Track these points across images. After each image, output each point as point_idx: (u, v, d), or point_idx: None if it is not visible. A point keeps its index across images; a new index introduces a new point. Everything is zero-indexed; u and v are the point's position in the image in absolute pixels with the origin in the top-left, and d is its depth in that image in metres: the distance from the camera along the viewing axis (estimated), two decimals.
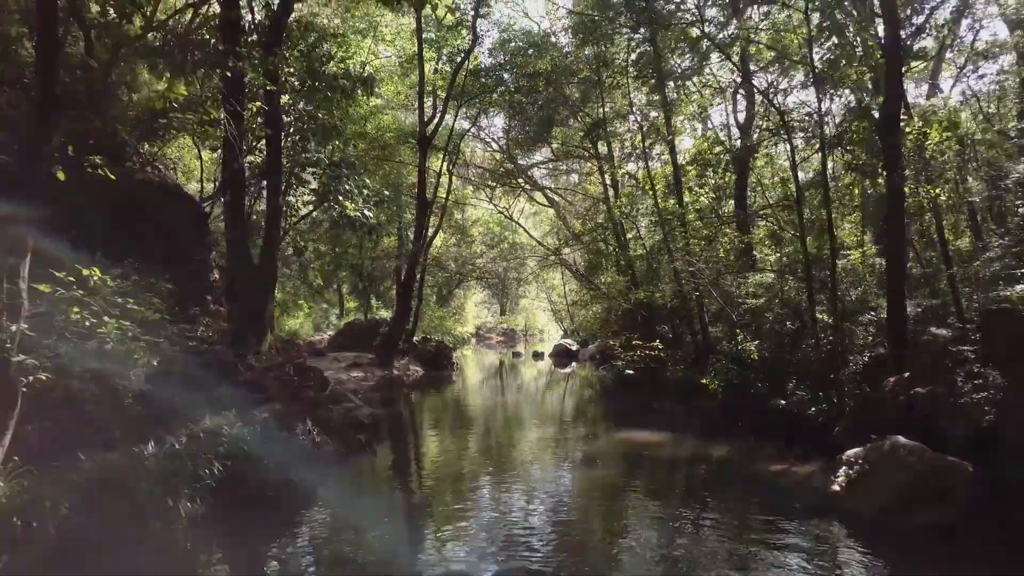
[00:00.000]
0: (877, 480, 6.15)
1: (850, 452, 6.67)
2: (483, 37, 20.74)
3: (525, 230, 34.34)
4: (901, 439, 6.32)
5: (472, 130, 24.93)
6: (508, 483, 8.13)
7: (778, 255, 13.43)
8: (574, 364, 25.89)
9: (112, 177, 5.82)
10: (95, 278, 5.80)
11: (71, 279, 5.55)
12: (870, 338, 11.60)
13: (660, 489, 8.02)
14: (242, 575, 5.54)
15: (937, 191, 10.17)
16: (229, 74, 8.49)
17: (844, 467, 6.56)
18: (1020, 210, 8.38)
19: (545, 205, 33.79)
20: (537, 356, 29.40)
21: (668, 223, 14.58)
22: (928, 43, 15.36)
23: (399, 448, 10.42)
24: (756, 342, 11.48)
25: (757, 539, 5.85)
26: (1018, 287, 9.10)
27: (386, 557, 5.75)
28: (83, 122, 6.73)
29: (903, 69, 9.51)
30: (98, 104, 8.13)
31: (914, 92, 21.14)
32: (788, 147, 10.54)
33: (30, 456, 5.32)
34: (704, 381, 11.85)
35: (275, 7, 10.35)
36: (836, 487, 6.47)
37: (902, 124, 9.60)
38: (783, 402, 10.41)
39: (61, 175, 4.86)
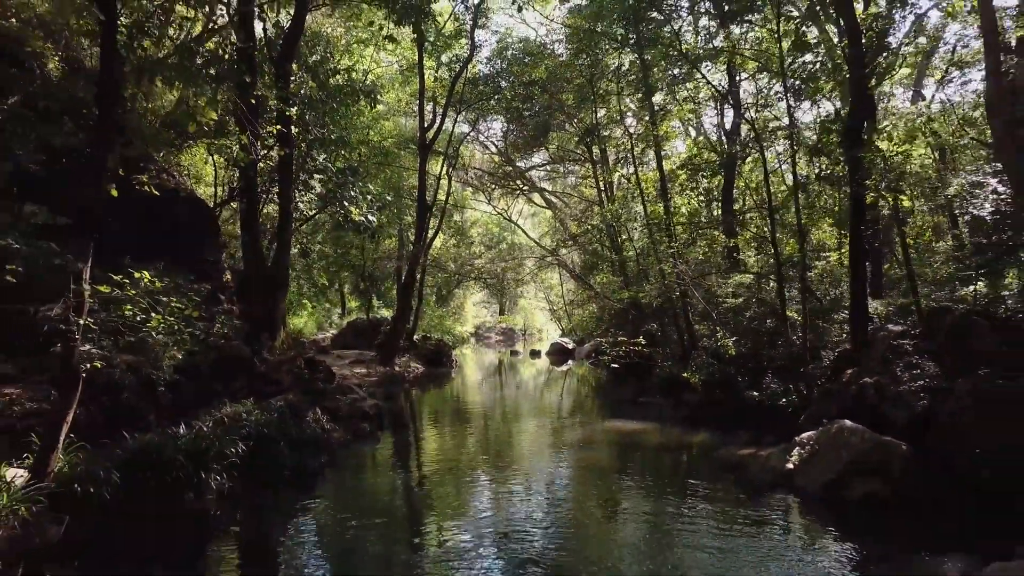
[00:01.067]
0: (824, 458, 6.96)
1: (803, 435, 7.50)
2: (481, 46, 21.62)
3: (523, 231, 35.17)
4: (847, 423, 7.14)
5: (471, 134, 25.75)
6: (501, 466, 8.95)
7: (757, 257, 14.27)
8: (570, 362, 26.65)
9: (156, 193, 6.64)
10: (144, 280, 6.62)
11: (125, 280, 6.37)
12: (844, 335, 12.44)
13: (638, 469, 8.83)
14: (265, 540, 6.35)
15: (904, 199, 10.97)
16: (245, 91, 9.31)
17: (797, 448, 7.38)
18: (967, 217, 9.17)
19: (543, 206, 34.66)
20: (534, 354, 30.22)
21: (654, 226, 15.39)
22: (910, 49, 16.16)
23: (400, 436, 11.24)
24: (734, 339, 12.28)
25: (717, 509, 6.68)
26: (969, 287, 9.96)
27: (388, 526, 6.57)
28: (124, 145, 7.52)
29: (867, 83, 10.26)
30: (124, 122, 8.93)
31: (901, 97, 22.06)
32: (763, 157, 11.30)
33: (82, 434, 6.15)
34: (686, 375, 12.65)
35: (286, 28, 11.16)
36: (790, 465, 7.28)
37: (865, 136, 10.38)
38: (757, 395, 11.22)
39: (114, 192, 5.67)
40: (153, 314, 6.70)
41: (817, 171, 11.97)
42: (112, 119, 5.38)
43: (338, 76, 12.92)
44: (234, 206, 16.78)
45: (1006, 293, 9.08)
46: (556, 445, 10.48)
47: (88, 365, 5.58)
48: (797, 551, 5.63)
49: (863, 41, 10.45)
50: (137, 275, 6.58)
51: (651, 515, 6.70)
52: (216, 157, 15.47)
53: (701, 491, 7.43)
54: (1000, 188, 7.90)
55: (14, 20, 11.51)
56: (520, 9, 16.07)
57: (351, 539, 6.08)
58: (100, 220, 5.21)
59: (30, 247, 5.42)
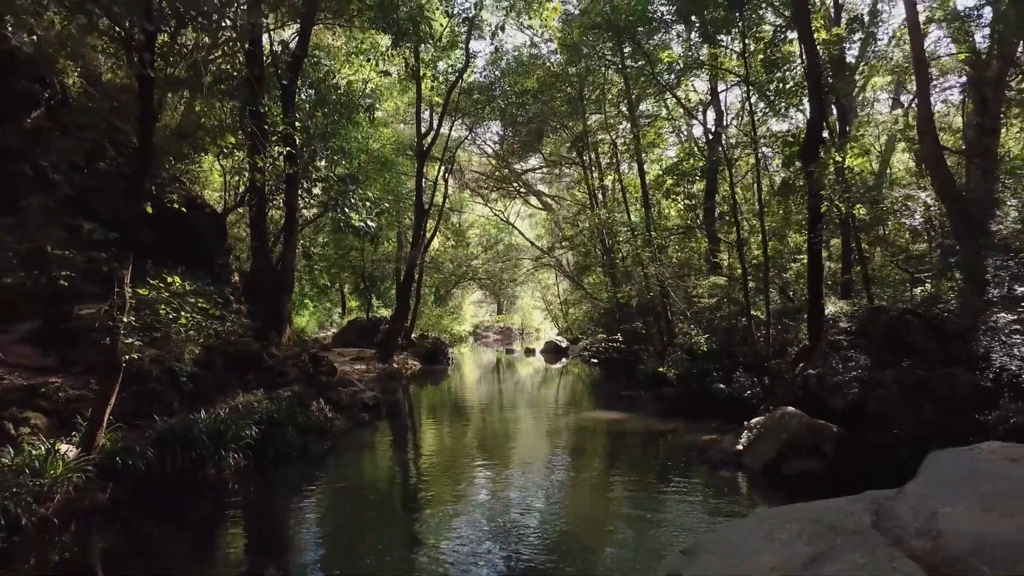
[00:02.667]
0: (767, 440, 7.92)
1: (752, 420, 8.45)
2: (476, 56, 22.55)
3: (519, 231, 36.13)
4: (789, 408, 8.10)
5: (469, 136, 26.69)
6: (489, 448, 9.93)
7: (731, 261, 15.21)
8: (564, 360, 27.55)
9: (184, 210, 7.61)
10: (175, 284, 7.59)
11: (160, 284, 7.34)
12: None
13: (609, 449, 9.83)
14: (275, 508, 7.31)
15: (860, 208, 11.91)
16: (252, 107, 10.27)
17: (746, 431, 8.35)
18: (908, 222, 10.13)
19: (540, 208, 35.61)
20: (529, 352, 31.14)
21: (634, 231, 16.34)
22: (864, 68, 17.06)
23: (397, 424, 12.19)
24: (706, 336, 13.23)
25: (674, 482, 7.65)
26: (917, 289, 10.93)
27: (383, 498, 7.53)
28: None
29: (823, 102, 11.21)
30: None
31: (884, 102, 23.00)
32: (729, 171, 12.25)
33: (118, 416, 7.11)
34: (661, 370, 13.60)
35: (292, 49, 12.13)
36: (739, 447, 8.24)
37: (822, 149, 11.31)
38: (726, 388, 12.18)
39: (149, 209, 6.62)
40: (182, 313, 7.67)
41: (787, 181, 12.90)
42: (150, 150, 6.33)
43: (339, 91, 13.87)
44: (240, 211, 17.73)
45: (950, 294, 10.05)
46: (539, 431, 11.45)
47: (127, 356, 6.53)
48: (724, 510, 6.61)
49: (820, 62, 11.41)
50: (170, 280, 7.55)
51: (612, 482, 7.67)
52: (224, 161, 16.41)
53: (664, 469, 8.38)
54: (929, 201, 8.83)
55: (35, 38, 12.51)
56: (495, 35, 17.08)
57: (350, 508, 7.03)
58: (140, 235, 6.16)
59: (84, 258, 6.38)
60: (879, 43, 15.66)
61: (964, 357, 7.60)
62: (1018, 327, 6.96)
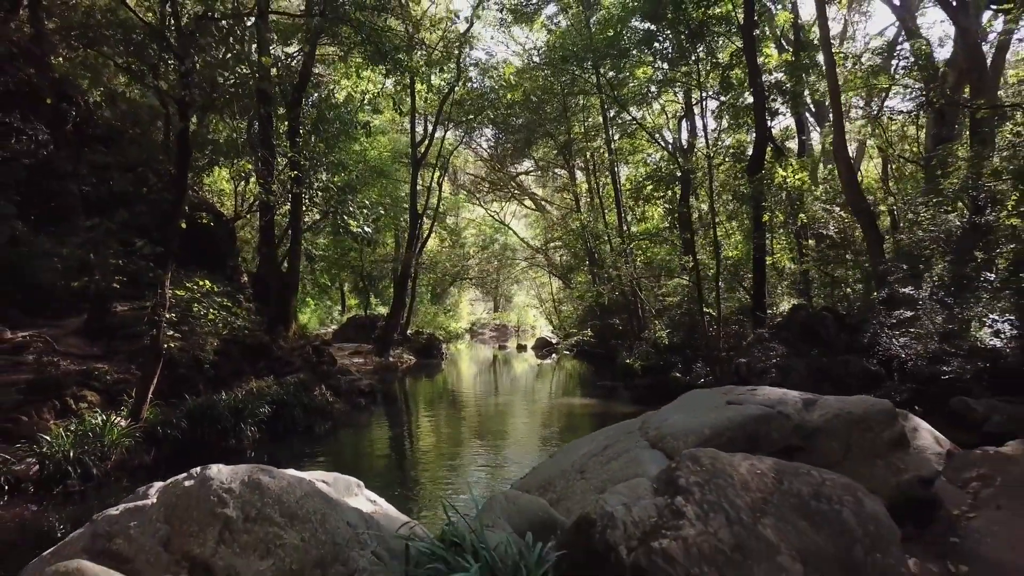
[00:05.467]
0: None
1: None
2: (468, 69, 23.93)
3: (514, 232, 37.61)
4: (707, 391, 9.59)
5: (464, 140, 28.12)
6: (471, 424, 11.46)
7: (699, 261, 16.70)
8: (554, 355, 29.04)
9: (212, 225, 9.11)
10: (206, 286, 9.11)
11: (194, 286, 8.87)
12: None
13: (570, 426, 11.33)
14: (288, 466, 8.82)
15: (802, 216, 13.41)
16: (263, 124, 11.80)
17: None
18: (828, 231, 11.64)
19: (533, 209, 37.08)
20: (521, 348, 32.62)
21: (609, 236, 17.85)
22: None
23: (391, 408, 13.71)
24: (668, 331, 14.73)
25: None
26: (849, 290, 12.39)
27: (379, 457, 9.04)
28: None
29: (766, 121, 12.71)
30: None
31: (857, 108, 24.45)
32: (683, 186, 13.73)
33: (156, 395, 8.62)
34: (629, 362, 15.11)
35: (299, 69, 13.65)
36: None
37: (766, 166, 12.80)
38: (683, 376, 13.68)
39: (183, 225, 8.10)
40: (211, 310, 9.18)
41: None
42: (185, 177, 7.81)
43: (337, 107, 15.33)
44: (247, 217, 19.26)
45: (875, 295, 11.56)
46: (516, 413, 12.98)
47: (167, 345, 8.02)
48: None
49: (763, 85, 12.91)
50: (202, 283, 9.08)
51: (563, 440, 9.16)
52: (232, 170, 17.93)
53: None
54: (843, 214, 10.31)
55: (61, 59, 14.02)
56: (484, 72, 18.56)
57: (351, 464, 8.54)
58: (177, 247, 7.65)
59: (136, 266, 7.87)
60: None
61: (860, 346, 9.09)
62: (894, 321, 8.45)
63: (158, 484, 3.08)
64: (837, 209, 10.53)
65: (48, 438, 6.90)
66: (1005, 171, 9.95)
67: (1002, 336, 8.42)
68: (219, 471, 2.90)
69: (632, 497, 2.53)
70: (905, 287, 8.72)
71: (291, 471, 3.26)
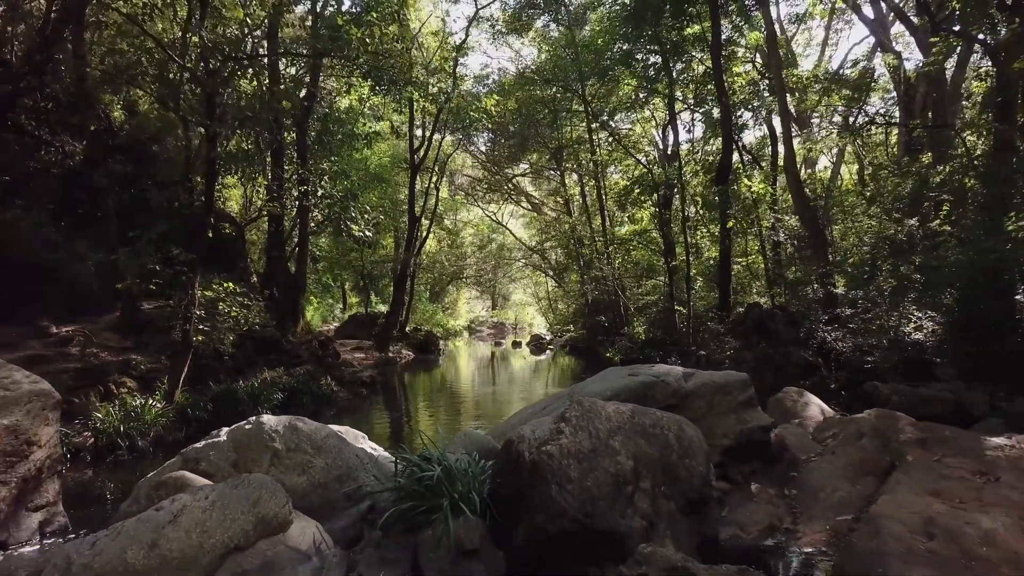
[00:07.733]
0: None
1: None
2: (464, 78, 25.18)
3: (510, 231, 38.86)
4: None
5: (462, 143, 29.37)
6: (462, 408, 12.71)
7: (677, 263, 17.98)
8: (547, 351, 30.32)
9: (234, 234, 10.37)
10: (229, 288, 10.38)
11: (218, 287, 10.13)
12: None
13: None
14: None
15: (764, 223, 14.66)
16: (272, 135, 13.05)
17: None
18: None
19: (530, 210, 38.34)
20: (516, 345, 33.89)
21: (593, 238, 19.12)
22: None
23: (390, 397, 14.98)
24: (645, 327, 16.01)
25: None
26: (808, 288, 13.64)
27: (382, 440, 10.30)
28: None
29: (732, 137, 13.97)
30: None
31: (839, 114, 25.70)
32: (658, 195, 15.00)
33: (183, 382, 9.88)
34: (609, 355, 16.39)
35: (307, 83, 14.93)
36: None
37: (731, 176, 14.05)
38: None
39: (210, 233, 9.33)
40: (233, 308, 10.45)
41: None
42: (212, 195, 9.06)
43: (339, 116, 16.56)
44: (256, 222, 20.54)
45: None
46: (504, 399, 14.24)
47: (196, 338, 9.29)
48: None
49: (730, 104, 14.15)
50: (225, 285, 10.36)
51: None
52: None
53: None
54: (795, 223, 11.57)
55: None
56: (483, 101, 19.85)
57: None
58: (204, 254, 8.91)
59: (172, 270, 9.13)
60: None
61: (800, 340, 10.35)
62: (827, 318, 9.71)
63: (225, 428, 4.34)
64: (790, 220, 11.80)
65: (100, 415, 8.16)
66: (947, 183, 11.17)
67: (923, 331, 9.69)
68: (268, 419, 4.17)
69: (538, 426, 3.81)
70: (855, 289, 9.94)
71: (316, 423, 4.51)
